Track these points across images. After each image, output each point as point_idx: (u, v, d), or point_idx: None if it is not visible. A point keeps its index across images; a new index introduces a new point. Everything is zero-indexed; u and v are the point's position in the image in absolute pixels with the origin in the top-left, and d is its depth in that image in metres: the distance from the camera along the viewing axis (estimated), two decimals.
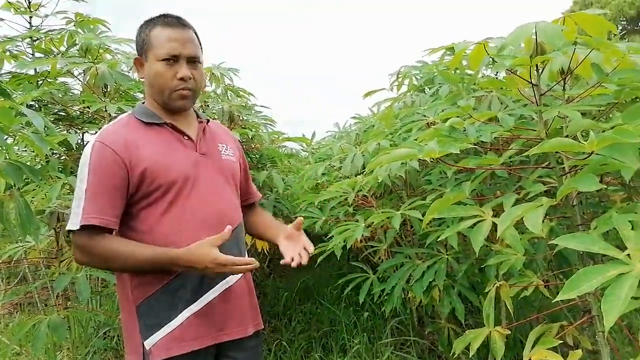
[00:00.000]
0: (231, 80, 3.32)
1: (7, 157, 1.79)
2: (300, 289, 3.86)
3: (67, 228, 1.24)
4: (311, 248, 1.36)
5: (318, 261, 2.33)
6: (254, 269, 1.23)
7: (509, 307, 1.60)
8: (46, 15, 3.06)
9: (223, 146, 1.46)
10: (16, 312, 3.88)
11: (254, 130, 3.23)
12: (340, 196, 2.36)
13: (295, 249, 1.35)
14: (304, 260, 1.31)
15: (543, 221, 1.48)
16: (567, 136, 1.36)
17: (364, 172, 2.20)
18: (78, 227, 1.20)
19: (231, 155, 1.47)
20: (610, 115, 1.55)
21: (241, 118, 3.09)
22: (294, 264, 1.30)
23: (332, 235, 2.14)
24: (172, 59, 1.29)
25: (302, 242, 1.37)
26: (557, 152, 1.44)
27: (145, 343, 1.25)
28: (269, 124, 3.58)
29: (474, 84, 1.90)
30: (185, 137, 1.36)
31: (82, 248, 1.23)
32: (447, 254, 2.10)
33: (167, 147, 1.32)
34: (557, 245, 1.11)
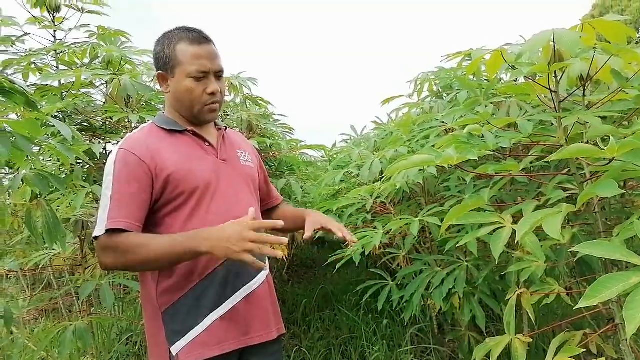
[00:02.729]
0: (250, 90, 3.36)
1: (33, 167, 1.84)
2: (319, 296, 3.87)
3: (94, 235, 1.25)
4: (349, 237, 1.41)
5: (337, 268, 2.34)
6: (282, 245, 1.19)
7: (530, 315, 1.59)
8: (70, 29, 3.14)
9: (242, 152, 1.50)
10: (41, 318, 3.96)
11: (272, 138, 3.26)
12: (359, 203, 2.37)
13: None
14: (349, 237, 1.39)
15: (565, 227, 1.48)
16: (587, 142, 1.35)
17: (382, 179, 2.20)
18: (103, 232, 1.20)
19: (250, 162, 1.50)
20: (632, 121, 1.53)
21: (260, 127, 3.13)
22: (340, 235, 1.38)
23: None
24: (202, 75, 1.32)
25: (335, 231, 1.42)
26: (577, 159, 1.43)
27: (171, 349, 1.26)
28: (287, 132, 3.60)
29: (493, 89, 1.90)
30: (207, 144, 1.39)
31: (106, 248, 1.21)
32: (466, 261, 2.09)
33: (189, 153, 1.35)
34: (579, 252, 1.10)
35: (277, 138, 3.43)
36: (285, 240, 1.17)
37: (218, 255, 1.15)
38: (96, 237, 1.24)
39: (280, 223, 1.19)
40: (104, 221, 1.22)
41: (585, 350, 1.47)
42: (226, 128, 1.52)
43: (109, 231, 1.21)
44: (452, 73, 2.57)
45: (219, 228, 1.18)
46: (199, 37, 1.34)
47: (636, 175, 1.24)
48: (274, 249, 1.20)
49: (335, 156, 3.70)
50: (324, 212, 2.63)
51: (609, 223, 1.62)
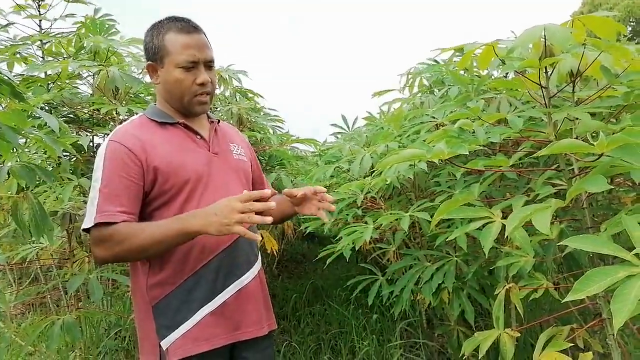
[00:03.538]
0: (239, 82, 3.34)
1: (19, 159, 1.82)
2: (309, 291, 3.87)
3: (82, 227, 1.23)
4: (321, 188, 1.43)
5: (327, 263, 2.34)
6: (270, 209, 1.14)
7: (518, 310, 1.60)
8: (55, 19, 3.09)
9: (235, 146, 1.48)
10: (28, 313, 3.92)
11: (262, 132, 3.25)
12: (349, 198, 2.37)
13: (312, 205, 1.45)
14: (330, 208, 1.44)
15: (553, 223, 1.48)
16: (576, 138, 1.35)
17: (372, 174, 2.20)
18: (92, 224, 1.19)
19: (243, 155, 1.49)
20: (620, 117, 1.54)
21: (250, 120, 3.11)
22: (324, 218, 1.43)
23: (341, 237, 2.14)
24: (191, 65, 1.30)
25: (310, 194, 1.44)
26: (566, 154, 1.43)
27: (161, 343, 1.26)
28: (278, 126, 3.59)
29: (483, 85, 1.90)
30: (199, 137, 1.38)
31: (100, 240, 1.20)
32: (456, 256, 2.10)
33: (180, 146, 1.33)
34: (567, 247, 1.11)
35: (267, 132, 3.42)
36: (273, 204, 1.15)
37: (210, 231, 1.14)
38: (86, 230, 1.23)
39: (267, 192, 1.17)
40: (92, 214, 1.20)
41: (572, 344, 1.48)
42: (219, 121, 1.50)
43: (100, 224, 1.20)
44: (443, 68, 2.57)
45: (208, 207, 1.17)
46: (188, 27, 1.32)
47: (624, 171, 1.24)
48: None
49: (326, 151, 3.70)
50: None
51: (596, 219, 1.64)
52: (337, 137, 3.71)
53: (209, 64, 1.34)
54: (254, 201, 1.14)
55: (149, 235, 1.17)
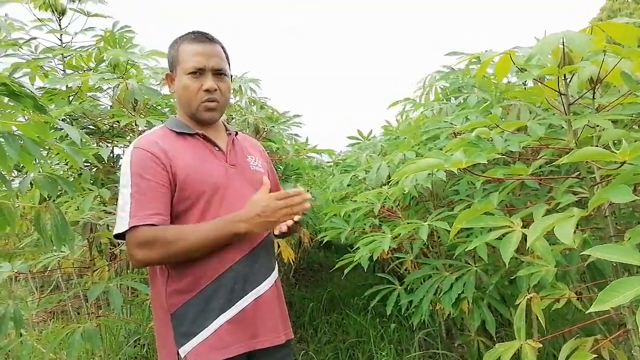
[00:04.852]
0: (254, 92, 3.36)
1: (42, 170, 1.85)
2: (327, 300, 3.86)
3: (115, 232, 1.25)
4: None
5: (345, 272, 2.33)
6: (307, 201, 1.27)
7: (540, 320, 1.57)
8: (75, 33, 3.16)
9: (252, 158, 1.49)
10: (50, 320, 3.98)
11: (277, 143, 3.26)
12: (366, 207, 2.36)
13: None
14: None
15: (575, 232, 1.46)
16: (597, 145, 1.33)
17: (390, 183, 2.19)
18: (127, 228, 1.20)
19: (260, 167, 1.50)
20: None
21: (266, 130, 3.13)
22: (284, 229, 1.36)
23: (358, 247, 2.13)
24: (198, 72, 1.33)
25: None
26: (587, 162, 1.41)
27: (179, 351, 1.26)
28: (295, 135, 3.60)
29: (501, 93, 1.89)
30: (217, 148, 1.40)
31: (141, 243, 1.20)
32: (475, 266, 2.07)
33: (199, 157, 1.35)
34: (590, 256, 1.08)
35: (283, 142, 3.43)
36: (309, 195, 1.26)
37: (259, 231, 1.28)
38: (118, 237, 1.25)
39: (300, 189, 1.27)
40: (125, 219, 1.22)
41: (596, 356, 1.45)
42: (237, 133, 1.52)
43: (139, 227, 1.21)
44: (460, 78, 2.55)
45: (247, 209, 1.27)
46: (201, 37, 1.37)
47: None
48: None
49: (341, 161, 3.70)
50: (331, 217, 2.64)
51: (619, 227, 1.61)
52: (352, 147, 3.71)
53: (217, 72, 1.37)
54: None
55: (200, 237, 1.23)
